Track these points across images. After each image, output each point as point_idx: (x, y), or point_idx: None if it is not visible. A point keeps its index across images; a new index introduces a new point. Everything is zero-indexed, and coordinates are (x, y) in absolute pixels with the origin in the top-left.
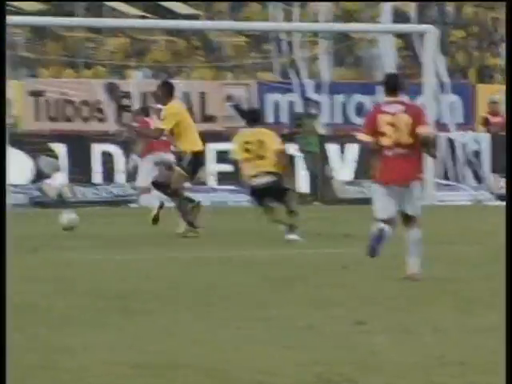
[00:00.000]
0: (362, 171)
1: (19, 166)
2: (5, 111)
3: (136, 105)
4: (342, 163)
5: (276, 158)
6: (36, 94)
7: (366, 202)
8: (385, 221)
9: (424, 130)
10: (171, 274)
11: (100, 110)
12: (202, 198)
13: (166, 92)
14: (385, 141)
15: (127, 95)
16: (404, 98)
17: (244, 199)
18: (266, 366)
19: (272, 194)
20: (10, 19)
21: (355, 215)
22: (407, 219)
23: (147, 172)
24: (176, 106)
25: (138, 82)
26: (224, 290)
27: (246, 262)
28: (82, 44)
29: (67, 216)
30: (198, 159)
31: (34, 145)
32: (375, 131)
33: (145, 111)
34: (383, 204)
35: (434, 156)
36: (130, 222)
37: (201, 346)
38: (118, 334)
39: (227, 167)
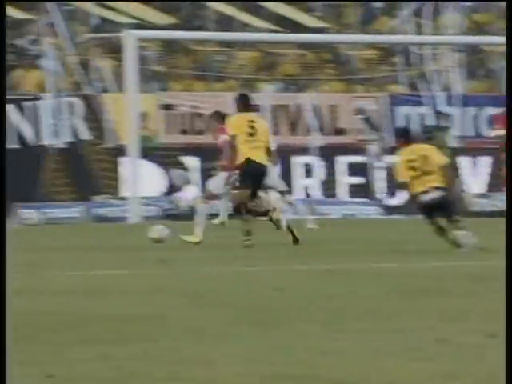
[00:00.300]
0: (494, 184)
1: (152, 178)
2: (5, 112)
3: (266, 117)
4: (474, 176)
5: (442, 172)
6: (167, 107)
7: (498, 214)
8: None
9: None
10: (301, 285)
11: None
12: (332, 210)
13: (240, 104)
14: None
15: (258, 108)
16: None
17: (374, 212)
18: (398, 378)
19: (441, 208)
20: (142, 33)
21: (487, 228)
22: None
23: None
24: (235, 118)
25: (268, 95)
26: (355, 302)
27: (377, 273)
28: (213, 57)
29: (157, 229)
30: (244, 172)
31: (166, 158)
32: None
33: (220, 117)
34: None
35: None
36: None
37: (331, 358)
38: (249, 347)
39: (358, 180)
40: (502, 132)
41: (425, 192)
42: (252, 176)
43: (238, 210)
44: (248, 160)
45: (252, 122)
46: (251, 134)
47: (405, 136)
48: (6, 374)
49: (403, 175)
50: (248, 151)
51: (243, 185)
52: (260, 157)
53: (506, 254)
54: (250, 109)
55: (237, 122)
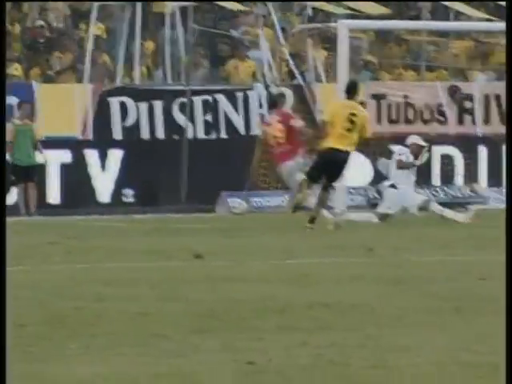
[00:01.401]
0: None
1: (359, 168)
2: (4, 111)
3: (479, 108)
4: None
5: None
6: (378, 96)
7: None
8: None
9: None
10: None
11: (442, 113)
12: None
13: (347, 90)
14: None
15: (469, 98)
16: None
17: None
18: None
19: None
20: (354, 23)
21: None
22: None
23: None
24: (333, 105)
25: (480, 85)
26: None
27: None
28: (425, 47)
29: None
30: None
31: (374, 147)
32: None
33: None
34: None
35: None
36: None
37: None
38: (450, 335)
39: None
40: None
41: None
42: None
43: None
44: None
45: (353, 115)
46: (349, 130)
47: None
48: (6, 374)
49: None
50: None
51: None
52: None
53: (505, 253)
54: (354, 97)
55: (336, 110)
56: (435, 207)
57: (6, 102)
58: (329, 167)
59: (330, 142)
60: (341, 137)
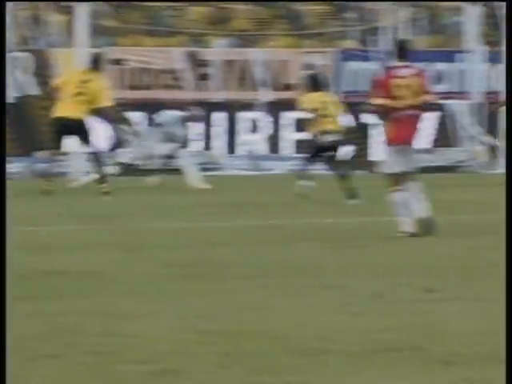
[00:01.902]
0: (438, 139)
1: (98, 134)
2: (4, 109)
3: (217, 73)
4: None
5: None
6: (116, 62)
7: (442, 170)
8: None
9: (427, 98)
10: (238, 241)
11: (181, 78)
12: (276, 165)
13: (93, 61)
14: (399, 103)
15: (208, 63)
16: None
17: (319, 167)
18: (333, 333)
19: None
20: None
21: (430, 184)
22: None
23: None
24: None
25: (219, 51)
26: (293, 258)
27: (316, 230)
28: (164, 13)
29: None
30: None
31: (114, 113)
32: (388, 95)
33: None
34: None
35: None
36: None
37: (266, 314)
38: (183, 302)
39: (304, 135)
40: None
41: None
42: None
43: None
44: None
45: (85, 82)
46: (79, 96)
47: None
48: (7, 374)
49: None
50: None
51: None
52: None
53: (505, 252)
54: (99, 68)
55: (68, 77)
56: (183, 161)
57: (5, 102)
58: (65, 135)
59: (60, 110)
60: (71, 104)
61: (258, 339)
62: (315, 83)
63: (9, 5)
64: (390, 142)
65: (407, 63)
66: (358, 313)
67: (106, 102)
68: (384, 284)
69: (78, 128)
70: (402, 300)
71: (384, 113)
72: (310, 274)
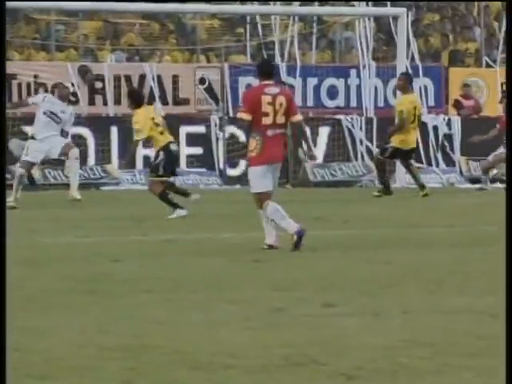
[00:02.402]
0: (334, 154)
1: None
2: (5, 110)
3: (109, 88)
4: (314, 146)
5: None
6: (9, 76)
7: (337, 184)
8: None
9: (298, 118)
10: (139, 256)
11: (73, 94)
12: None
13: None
14: (266, 120)
15: (100, 78)
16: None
17: (213, 182)
18: (233, 348)
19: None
20: None
21: (326, 198)
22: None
23: None
24: None
25: (111, 65)
26: (192, 272)
27: (215, 245)
28: (54, 27)
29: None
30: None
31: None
32: (256, 111)
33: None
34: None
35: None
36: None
37: (168, 328)
38: (85, 317)
39: (198, 150)
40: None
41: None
42: None
43: None
44: None
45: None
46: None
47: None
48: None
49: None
50: None
51: None
52: None
53: (505, 254)
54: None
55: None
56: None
57: (5, 101)
58: None
59: None
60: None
61: (161, 354)
62: (139, 98)
63: None
64: (259, 160)
65: (273, 82)
66: (259, 327)
67: None
68: (283, 298)
69: None
70: (301, 314)
71: (250, 128)
72: (210, 289)
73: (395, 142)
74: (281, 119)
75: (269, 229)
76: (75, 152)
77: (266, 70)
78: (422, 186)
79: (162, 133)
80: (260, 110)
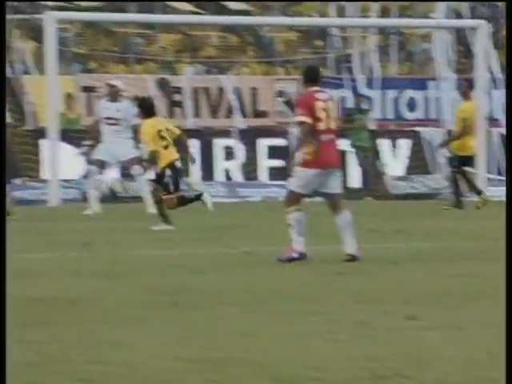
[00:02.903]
0: (414, 166)
1: (70, 161)
2: (5, 111)
3: (188, 100)
4: (394, 158)
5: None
6: (88, 89)
7: (418, 197)
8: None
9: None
10: (220, 268)
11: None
12: (253, 193)
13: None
14: (320, 126)
15: (179, 91)
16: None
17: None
18: (318, 361)
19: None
20: (62, 15)
21: (406, 211)
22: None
23: None
24: None
25: (189, 78)
26: (276, 284)
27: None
28: (134, 40)
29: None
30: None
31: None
32: (311, 116)
33: None
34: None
35: None
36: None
37: (251, 341)
38: (168, 330)
39: (279, 162)
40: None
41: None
42: None
43: None
44: None
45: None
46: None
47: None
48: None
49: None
50: None
51: None
52: None
53: (505, 255)
54: None
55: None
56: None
57: (5, 102)
58: None
59: None
60: None
61: (244, 367)
62: (149, 108)
63: None
64: (315, 164)
65: (321, 88)
66: (343, 340)
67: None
68: (366, 311)
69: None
70: (384, 327)
71: (311, 132)
72: (294, 301)
73: (458, 149)
74: (332, 124)
75: (347, 238)
76: (137, 170)
77: (313, 76)
78: (479, 193)
79: (166, 147)
80: (315, 115)
